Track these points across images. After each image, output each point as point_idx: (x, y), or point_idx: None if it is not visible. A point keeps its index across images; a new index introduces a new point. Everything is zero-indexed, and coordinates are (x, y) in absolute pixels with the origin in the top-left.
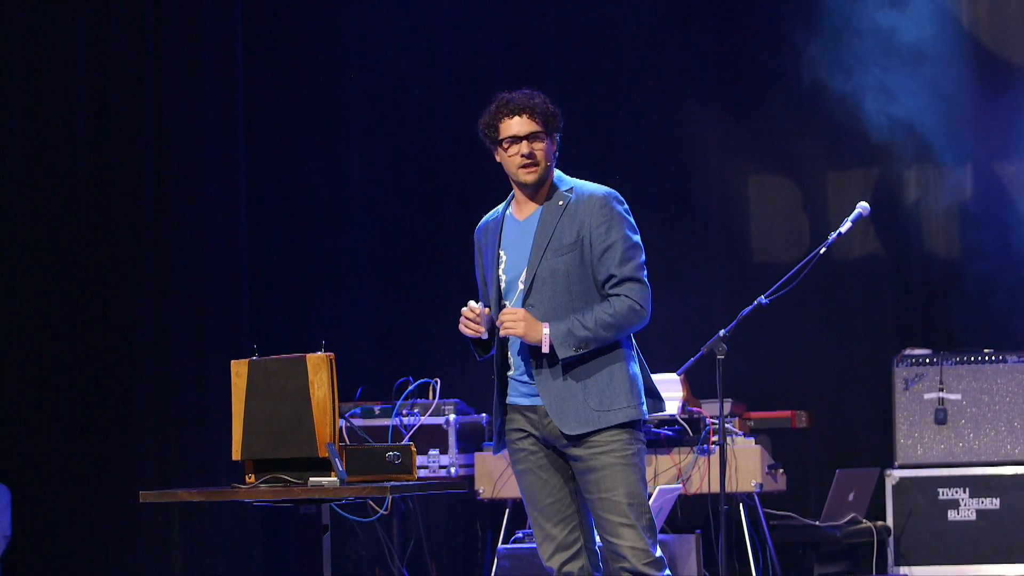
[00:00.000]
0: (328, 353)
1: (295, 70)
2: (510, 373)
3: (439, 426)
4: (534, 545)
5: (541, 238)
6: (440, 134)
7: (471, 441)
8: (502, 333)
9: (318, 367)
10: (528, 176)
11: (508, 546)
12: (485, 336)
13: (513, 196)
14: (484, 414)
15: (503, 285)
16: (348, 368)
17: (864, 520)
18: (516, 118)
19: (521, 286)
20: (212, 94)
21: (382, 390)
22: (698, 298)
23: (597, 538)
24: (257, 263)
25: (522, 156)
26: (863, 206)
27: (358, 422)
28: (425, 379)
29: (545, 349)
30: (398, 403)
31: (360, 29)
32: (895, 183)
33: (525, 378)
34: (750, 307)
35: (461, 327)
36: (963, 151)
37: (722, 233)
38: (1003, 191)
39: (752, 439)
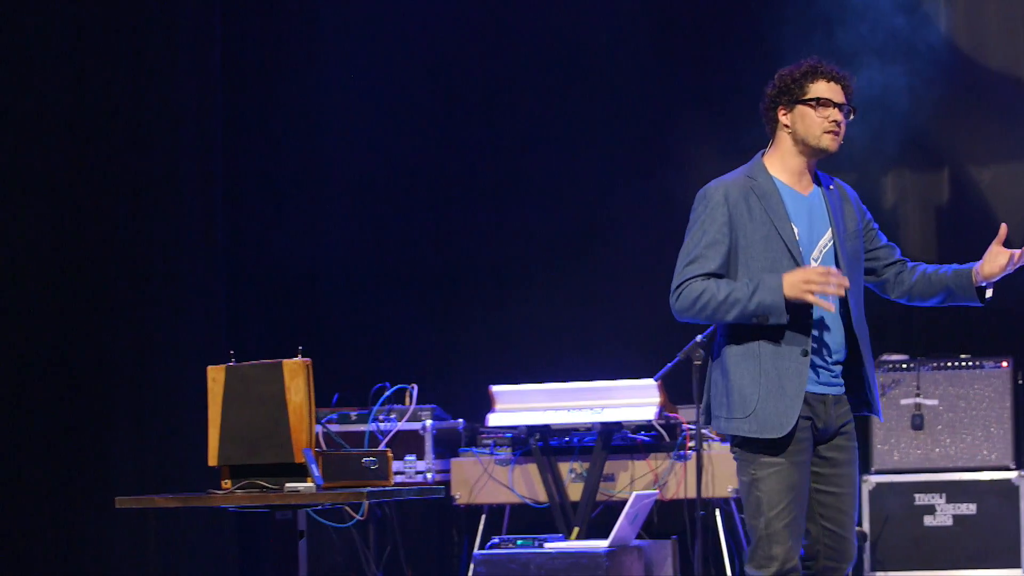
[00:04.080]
0: (305, 359)
1: (274, 76)
2: (813, 357)
3: (416, 432)
4: (510, 551)
5: (838, 220)
6: (419, 139)
7: (448, 447)
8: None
9: (295, 373)
10: (833, 142)
11: (484, 552)
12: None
13: (768, 165)
14: (461, 419)
15: (802, 260)
16: (325, 374)
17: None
18: (833, 84)
19: (813, 263)
20: (191, 96)
21: (359, 396)
22: None
23: None
24: (235, 268)
25: (832, 122)
26: None
27: (335, 428)
28: (402, 385)
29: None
30: (375, 409)
31: (339, 32)
32: (872, 187)
33: (829, 362)
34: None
35: (822, 288)
36: (941, 155)
37: None
38: (980, 196)
39: (728, 445)
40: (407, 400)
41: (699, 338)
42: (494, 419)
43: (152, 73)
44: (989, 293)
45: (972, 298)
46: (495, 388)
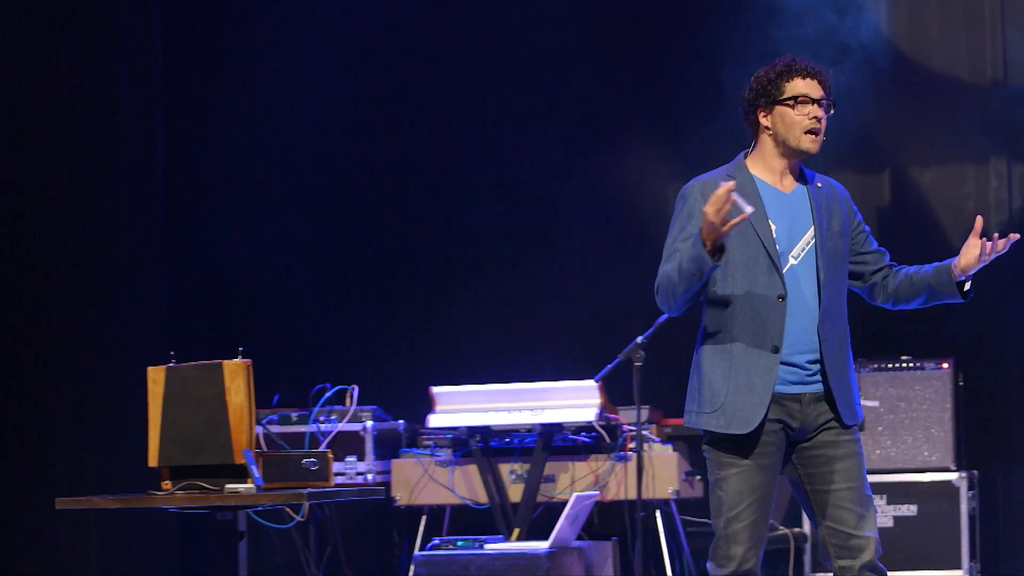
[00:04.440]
0: (245, 360)
1: (215, 75)
2: (787, 355)
3: (356, 433)
4: (450, 552)
5: (821, 218)
6: (359, 139)
7: (388, 448)
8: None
9: (235, 374)
10: (813, 144)
11: (424, 553)
12: (726, 238)
13: (749, 164)
14: (401, 421)
15: (777, 257)
16: (265, 375)
17: (781, 527)
18: (809, 80)
19: (793, 261)
20: (131, 94)
21: (299, 397)
22: (615, 305)
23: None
24: (175, 270)
25: (812, 119)
26: None
27: (275, 429)
28: (342, 386)
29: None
30: (315, 410)
31: (280, 31)
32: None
33: (803, 360)
34: (667, 314)
35: (712, 210)
36: (883, 158)
37: (641, 240)
38: (921, 197)
39: (669, 446)
40: (348, 401)
41: (639, 339)
42: (435, 420)
43: (91, 71)
44: (968, 286)
45: (953, 294)
46: (435, 389)
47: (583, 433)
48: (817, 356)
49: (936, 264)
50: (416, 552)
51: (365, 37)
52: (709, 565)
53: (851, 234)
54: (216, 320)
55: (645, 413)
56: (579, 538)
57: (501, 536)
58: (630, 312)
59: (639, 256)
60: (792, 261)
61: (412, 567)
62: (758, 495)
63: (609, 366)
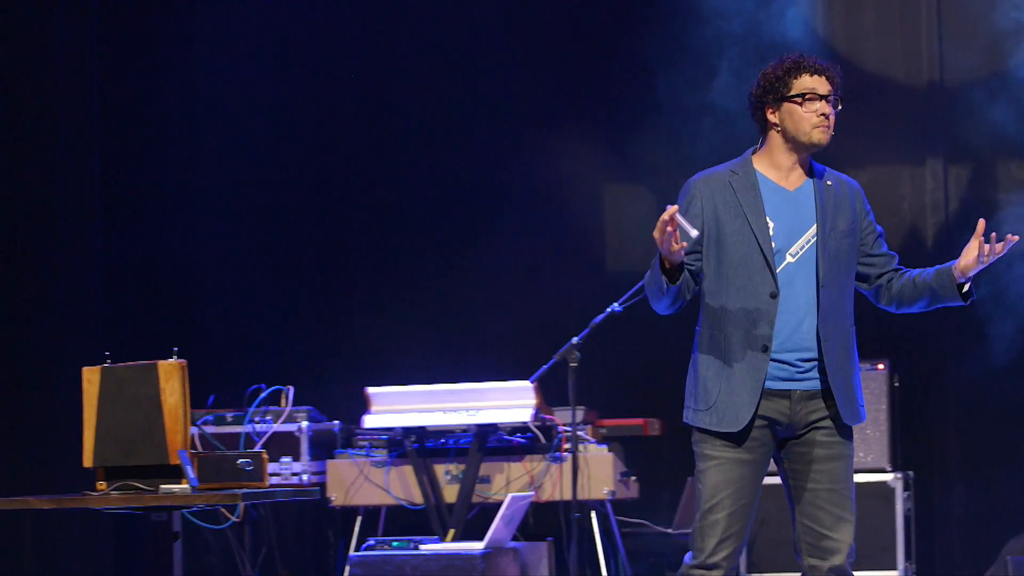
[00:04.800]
0: (180, 360)
1: (152, 77)
2: (777, 353)
3: (291, 433)
4: (386, 553)
5: (825, 216)
6: (295, 140)
7: (323, 448)
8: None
9: (170, 374)
10: (823, 135)
11: (360, 553)
12: (680, 257)
13: (755, 159)
14: (337, 421)
15: (772, 255)
16: (201, 375)
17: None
18: (817, 76)
19: (790, 258)
20: (68, 95)
21: (235, 397)
22: (551, 305)
23: None
24: (111, 270)
25: (820, 116)
26: None
27: (210, 429)
28: (278, 386)
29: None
30: (250, 410)
31: (217, 34)
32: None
33: (793, 359)
34: (603, 315)
35: (657, 235)
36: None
37: (577, 240)
38: None
39: (605, 447)
40: (283, 402)
41: (575, 340)
42: (370, 421)
43: (28, 71)
44: (967, 288)
45: (954, 297)
46: (371, 390)
47: (518, 434)
48: (811, 355)
49: (939, 267)
50: (351, 552)
51: (301, 37)
52: (687, 554)
53: (860, 234)
54: (151, 321)
55: (580, 414)
56: (514, 539)
57: (436, 537)
58: (565, 313)
59: (575, 257)
60: (789, 259)
61: (347, 567)
62: (734, 488)
63: (544, 367)
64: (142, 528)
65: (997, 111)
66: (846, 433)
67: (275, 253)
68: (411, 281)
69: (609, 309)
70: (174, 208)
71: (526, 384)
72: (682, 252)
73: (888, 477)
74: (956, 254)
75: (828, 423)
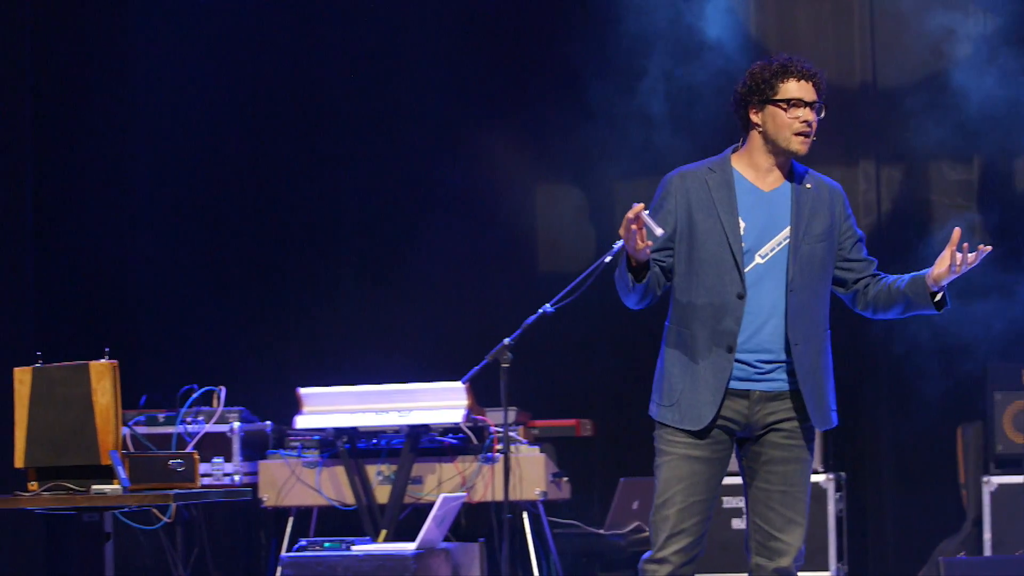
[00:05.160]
0: (112, 361)
1: (84, 76)
2: (741, 353)
3: (223, 434)
4: (318, 553)
5: (799, 219)
6: (227, 140)
7: (255, 449)
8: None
9: (101, 375)
10: (802, 146)
11: (291, 554)
12: (645, 256)
13: (733, 158)
14: (268, 422)
15: (741, 255)
16: (132, 375)
17: (647, 528)
18: (803, 82)
19: (759, 260)
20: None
21: (166, 398)
22: (483, 306)
23: None
24: (42, 270)
25: (803, 123)
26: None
27: (142, 430)
28: (209, 387)
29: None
30: (182, 411)
31: (149, 34)
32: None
33: (754, 359)
34: (535, 315)
35: (623, 233)
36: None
37: (508, 242)
38: None
39: (537, 447)
40: (215, 402)
41: (507, 340)
42: (302, 421)
43: None
44: (939, 297)
45: (927, 305)
46: (303, 390)
47: (450, 434)
48: (773, 357)
49: (914, 274)
50: (283, 553)
51: (234, 39)
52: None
53: (837, 239)
54: (83, 321)
55: (512, 415)
56: (446, 539)
57: (368, 537)
58: (497, 314)
59: (505, 258)
60: (759, 260)
61: (279, 568)
62: (686, 484)
63: (476, 367)
64: (73, 529)
65: (929, 113)
66: (807, 437)
67: (207, 253)
68: (343, 281)
69: (541, 310)
70: (106, 208)
71: (458, 385)
72: (647, 251)
73: (820, 478)
74: (888, 256)
75: (788, 425)
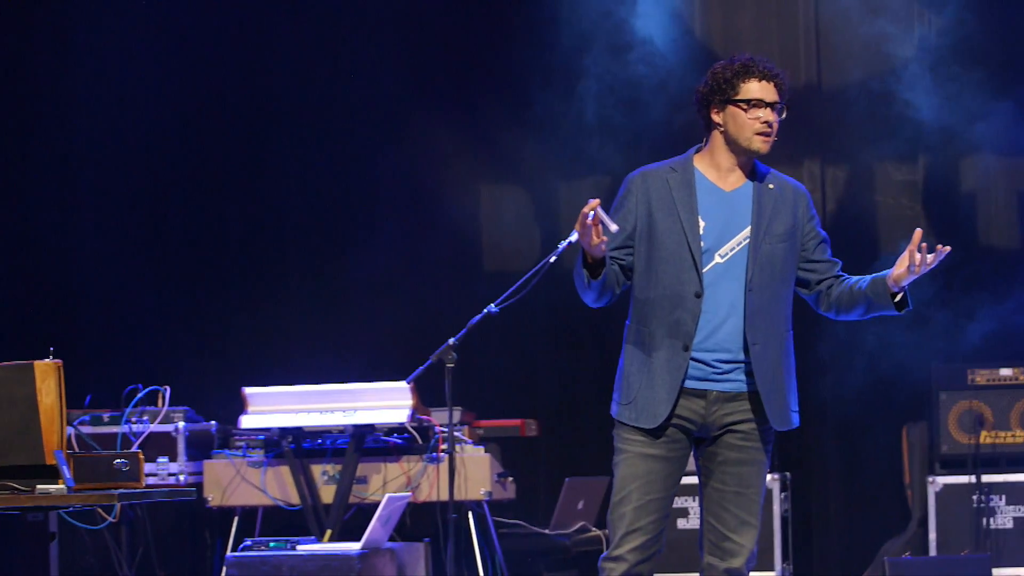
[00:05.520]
0: (56, 360)
1: (26, 73)
2: (697, 353)
3: (168, 434)
4: (263, 553)
5: (760, 219)
6: (171, 140)
7: (200, 448)
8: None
9: (46, 374)
10: (764, 145)
11: (237, 554)
12: (601, 252)
13: (696, 158)
14: (213, 421)
15: (700, 254)
16: (77, 375)
17: (593, 528)
18: (764, 83)
19: (719, 259)
20: None
21: (111, 397)
22: (428, 306)
23: None
24: None
25: (763, 123)
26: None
27: (87, 429)
28: (154, 387)
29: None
30: (127, 410)
31: (91, 32)
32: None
33: (711, 359)
34: (480, 315)
35: (579, 228)
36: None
37: (453, 241)
38: None
39: (482, 447)
40: (160, 402)
41: (451, 340)
42: (247, 421)
43: None
44: (899, 297)
45: (888, 306)
46: (248, 390)
47: (395, 434)
48: (731, 357)
49: (875, 275)
50: (228, 553)
51: (175, 35)
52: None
53: (800, 239)
54: (27, 320)
55: (457, 414)
56: (391, 539)
57: (313, 537)
58: (442, 314)
59: (451, 258)
60: (718, 259)
61: (224, 568)
62: (641, 482)
63: (421, 367)
64: (18, 529)
65: (874, 114)
66: (765, 439)
67: (151, 252)
68: (288, 281)
69: (486, 310)
70: (49, 207)
71: (403, 385)
72: (603, 247)
73: (767, 479)
74: (834, 256)
75: (745, 427)
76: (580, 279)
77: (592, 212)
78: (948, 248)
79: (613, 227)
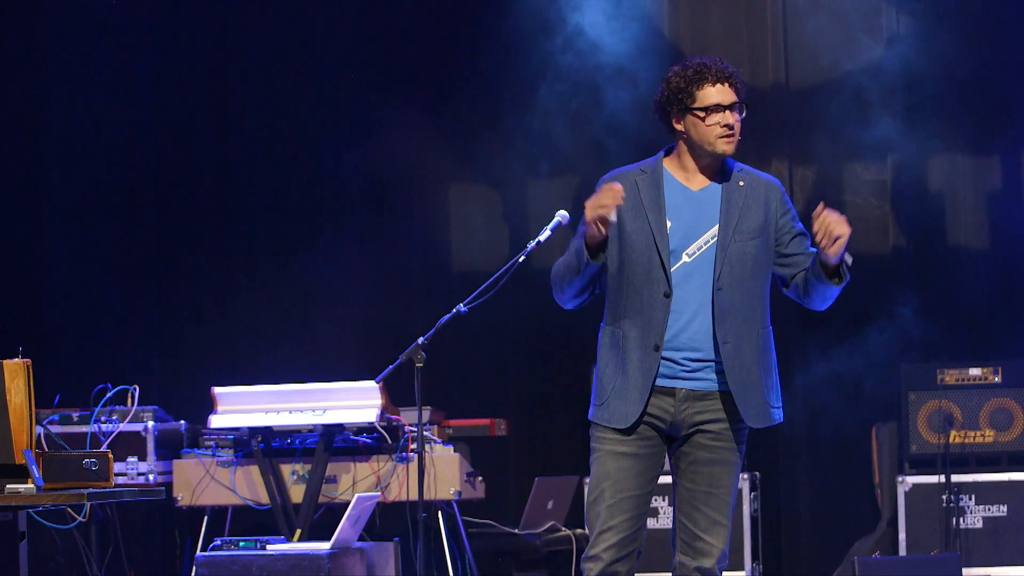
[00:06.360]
0: (25, 359)
1: None
2: (668, 351)
3: (138, 433)
4: (232, 553)
5: (729, 217)
6: (141, 141)
7: (170, 448)
8: (839, 231)
9: (15, 374)
10: (728, 146)
11: (206, 554)
12: (602, 236)
13: (665, 160)
14: (183, 421)
15: (667, 254)
16: (46, 374)
17: (563, 528)
18: (719, 86)
19: (686, 258)
20: None
21: (81, 397)
22: (397, 305)
23: None
24: None
25: (723, 127)
26: (562, 214)
27: (56, 429)
28: (124, 386)
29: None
30: (96, 410)
31: (62, 27)
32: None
33: (680, 357)
34: (449, 315)
35: (593, 206)
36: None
37: (422, 241)
38: None
39: (451, 447)
40: (129, 401)
41: (421, 340)
42: (216, 420)
43: None
44: (834, 270)
45: (826, 281)
46: (217, 390)
47: (364, 434)
48: (700, 355)
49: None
50: (198, 552)
51: (144, 34)
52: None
53: (774, 234)
54: None
55: (427, 414)
56: (361, 539)
57: (283, 537)
58: (412, 313)
59: (421, 257)
60: (685, 259)
61: (194, 568)
62: (613, 481)
63: (391, 367)
64: None
65: (842, 113)
66: (738, 439)
67: (120, 251)
68: (257, 281)
69: (455, 310)
70: (18, 206)
71: (372, 384)
72: (604, 231)
73: None
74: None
75: (716, 427)
76: (577, 261)
77: (614, 209)
78: (822, 204)
79: (612, 217)
